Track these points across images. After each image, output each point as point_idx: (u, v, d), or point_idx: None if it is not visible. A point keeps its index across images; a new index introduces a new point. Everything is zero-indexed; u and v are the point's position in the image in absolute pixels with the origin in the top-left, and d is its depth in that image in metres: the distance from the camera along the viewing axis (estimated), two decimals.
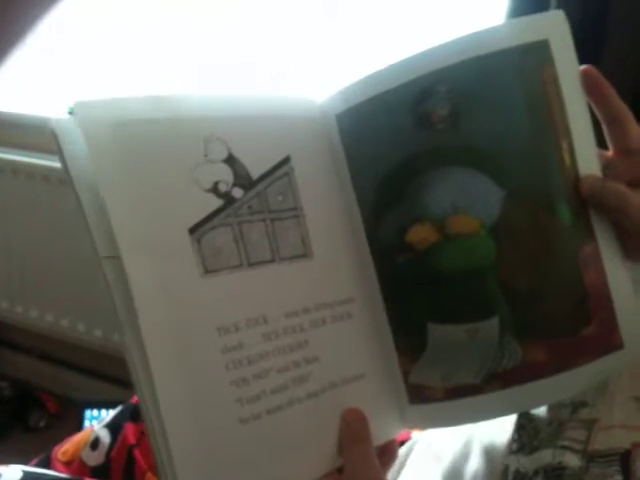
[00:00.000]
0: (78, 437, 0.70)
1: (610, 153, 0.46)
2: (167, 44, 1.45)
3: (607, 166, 0.44)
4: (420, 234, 0.45)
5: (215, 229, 0.41)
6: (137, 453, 0.65)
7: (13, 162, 1.40)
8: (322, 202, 0.46)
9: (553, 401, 0.47)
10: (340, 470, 0.44)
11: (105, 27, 1.53)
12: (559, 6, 0.78)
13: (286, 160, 0.45)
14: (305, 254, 0.45)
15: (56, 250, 1.40)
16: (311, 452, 0.43)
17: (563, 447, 0.45)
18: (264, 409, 0.41)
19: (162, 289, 0.39)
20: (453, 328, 0.45)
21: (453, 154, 0.44)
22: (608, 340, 0.43)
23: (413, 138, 0.44)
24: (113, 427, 0.68)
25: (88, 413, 1.41)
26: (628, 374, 0.45)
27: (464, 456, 0.54)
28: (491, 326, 0.44)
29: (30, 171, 1.38)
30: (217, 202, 0.42)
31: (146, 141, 0.40)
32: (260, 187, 0.44)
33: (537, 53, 0.43)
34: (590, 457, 0.43)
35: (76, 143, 0.38)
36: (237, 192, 0.43)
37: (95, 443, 0.68)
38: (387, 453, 0.48)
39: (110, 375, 1.48)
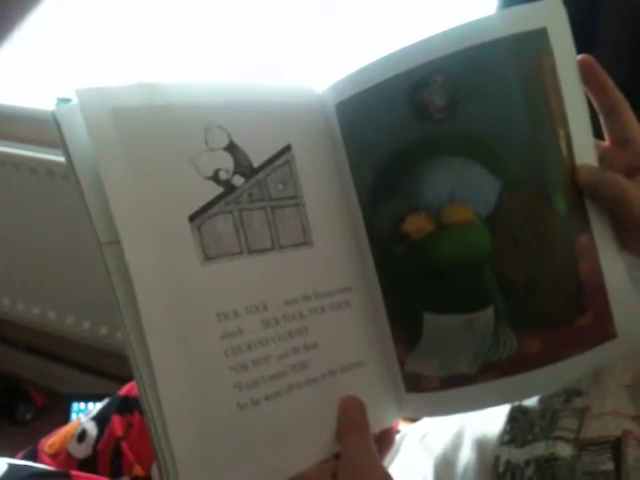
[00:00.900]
0: (65, 430, 0.70)
1: (607, 143, 0.46)
2: (166, 39, 1.44)
3: (604, 156, 0.45)
4: (416, 224, 0.45)
5: (215, 216, 0.41)
6: (124, 445, 0.64)
7: (15, 156, 1.38)
8: (322, 191, 0.46)
9: (547, 392, 0.47)
10: (337, 456, 0.44)
11: (106, 20, 1.53)
12: None
13: (287, 148, 0.45)
14: (305, 242, 0.45)
15: (44, 243, 1.39)
16: (309, 438, 0.44)
17: (556, 438, 0.45)
18: (263, 395, 0.41)
19: (162, 275, 0.39)
20: (448, 318, 0.45)
21: (450, 144, 0.44)
22: (602, 330, 0.44)
23: (410, 128, 0.44)
24: (100, 420, 0.67)
25: (75, 406, 1.40)
26: (621, 363, 0.45)
27: (456, 446, 0.54)
28: (486, 316, 0.44)
29: (33, 165, 1.36)
30: (217, 190, 0.42)
31: (146, 128, 0.40)
32: (261, 175, 0.44)
33: (534, 41, 0.43)
34: (582, 445, 0.43)
35: (77, 130, 0.38)
36: (238, 180, 0.43)
37: (82, 436, 0.67)
38: (384, 441, 0.48)
39: (97, 368, 1.48)
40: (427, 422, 0.62)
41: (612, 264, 0.44)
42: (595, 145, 0.44)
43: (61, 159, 0.38)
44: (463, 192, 0.44)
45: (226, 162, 0.42)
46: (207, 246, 0.41)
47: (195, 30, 1.43)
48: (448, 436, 0.55)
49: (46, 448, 0.68)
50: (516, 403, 0.49)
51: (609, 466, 0.41)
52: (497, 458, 0.48)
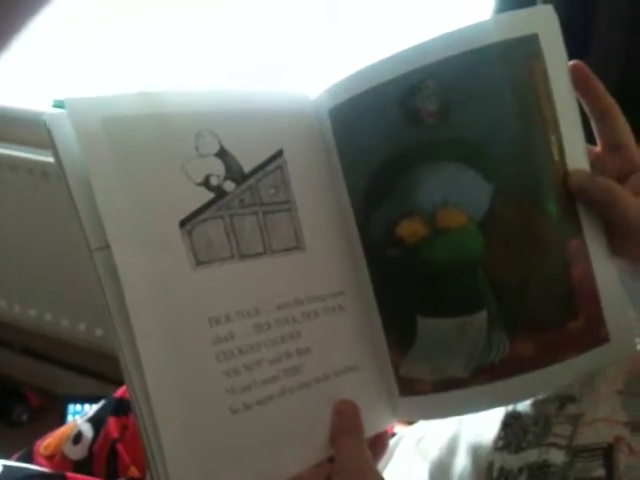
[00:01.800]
0: (60, 431, 0.70)
1: (598, 148, 0.46)
2: (166, 41, 1.44)
3: (596, 161, 0.45)
4: (410, 228, 0.45)
5: (206, 222, 0.42)
6: (120, 447, 0.65)
7: (11, 157, 1.38)
8: (314, 196, 0.47)
9: (539, 395, 0.47)
10: (331, 460, 0.44)
11: (105, 22, 1.53)
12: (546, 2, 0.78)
13: (278, 154, 0.45)
14: (298, 247, 0.45)
15: (41, 245, 1.39)
16: (302, 442, 0.44)
17: (549, 444, 0.45)
18: (255, 399, 0.41)
19: (153, 280, 0.39)
20: (442, 322, 0.45)
21: (442, 149, 0.44)
22: (595, 334, 0.44)
23: (403, 133, 0.44)
24: (96, 421, 0.67)
25: (71, 408, 1.40)
26: (613, 368, 0.45)
27: (451, 451, 0.54)
28: (479, 320, 0.44)
29: (29, 166, 1.36)
30: (208, 195, 0.42)
31: (137, 135, 0.40)
32: (252, 180, 0.44)
33: (526, 47, 0.43)
34: (575, 452, 0.43)
35: (68, 136, 0.39)
36: (229, 185, 0.43)
37: (78, 437, 0.67)
38: (378, 444, 0.48)
39: (93, 370, 1.48)
40: (423, 426, 0.62)
41: (604, 269, 0.44)
42: (587, 150, 0.44)
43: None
44: (456, 196, 0.44)
45: (217, 168, 0.43)
46: (198, 251, 0.41)
47: (196, 32, 1.43)
48: (443, 440, 0.55)
49: (41, 450, 0.68)
50: (510, 408, 0.50)
51: (601, 472, 0.41)
52: (491, 464, 0.48)
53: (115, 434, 0.65)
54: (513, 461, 0.46)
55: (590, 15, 0.76)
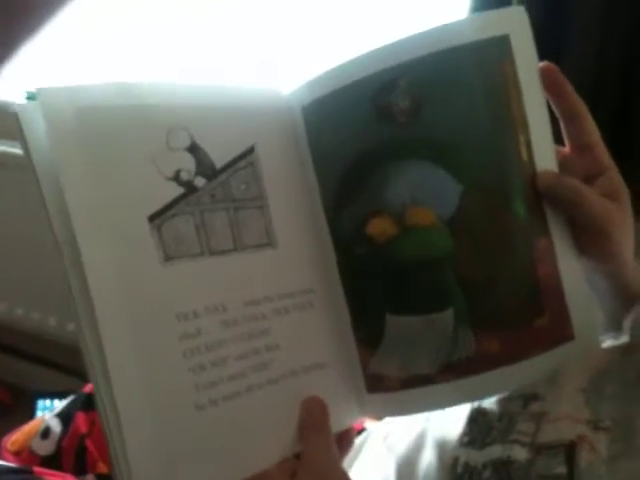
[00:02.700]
0: (28, 427, 0.69)
1: (567, 149, 0.46)
2: (143, 36, 1.44)
3: (564, 162, 0.45)
4: (379, 227, 0.45)
5: (176, 217, 0.41)
6: (89, 442, 0.64)
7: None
8: (286, 193, 0.47)
9: (505, 391, 0.47)
10: (298, 456, 0.44)
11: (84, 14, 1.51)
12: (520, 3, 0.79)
13: (250, 150, 0.45)
14: (269, 243, 0.45)
15: (9, 237, 1.37)
16: (269, 438, 0.44)
17: (513, 441, 0.45)
18: (221, 396, 0.41)
19: (120, 275, 0.39)
20: (409, 319, 0.46)
21: (413, 147, 0.44)
22: (560, 331, 0.45)
23: (374, 131, 0.45)
24: (64, 416, 0.67)
25: (41, 403, 1.38)
26: (577, 366, 0.46)
27: (417, 448, 0.54)
28: (447, 317, 0.45)
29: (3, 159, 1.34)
30: (178, 190, 0.42)
31: (109, 127, 0.40)
32: (223, 176, 0.44)
33: (497, 48, 0.43)
34: (537, 450, 0.43)
35: (38, 128, 0.38)
36: (199, 181, 0.43)
37: (46, 432, 0.67)
38: (344, 441, 0.48)
39: (64, 365, 1.46)
40: (391, 422, 0.62)
41: (570, 268, 0.45)
42: (555, 151, 0.45)
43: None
44: (425, 195, 0.44)
45: (188, 163, 0.42)
46: (167, 246, 0.41)
47: (181, 29, 1.43)
48: (411, 436, 0.55)
49: (9, 445, 0.68)
50: (476, 405, 0.50)
51: (562, 470, 0.41)
52: (456, 459, 0.48)
53: (84, 429, 0.65)
54: (478, 457, 0.47)
55: (564, 17, 0.77)
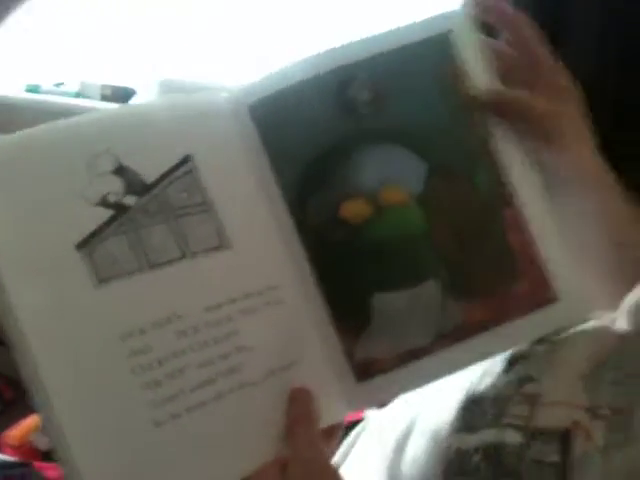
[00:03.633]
0: (28, 422, 0.71)
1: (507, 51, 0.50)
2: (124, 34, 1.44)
3: (506, 73, 0.49)
4: (354, 209, 0.47)
5: (107, 240, 0.41)
6: None
7: None
8: (236, 192, 0.46)
9: (496, 354, 0.48)
10: None
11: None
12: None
13: (186, 159, 0.45)
14: (221, 245, 0.45)
15: None
16: (252, 441, 0.43)
17: (506, 425, 0.45)
18: (183, 408, 0.41)
19: (53, 308, 0.39)
20: (396, 295, 0.47)
21: (378, 135, 0.47)
22: (540, 294, 0.47)
23: (338, 124, 0.47)
24: None
25: None
26: (578, 351, 0.45)
27: (406, 436, 0.54)
28: (432, 288, 0.47)
29: None
30: (107, 213, 0.42)
31: (21, 176, 0.41)
32: (157, 189, 0.44)
33: (440, 44, 0.48)
34: (532, 434, 0.43)
35: None
36: (129, 199, 0.43)
37: None
38: (330, 436, 0.47)
39: None
40: (384, 414, 0.62)
41: (545, 233, 0.47)
42: (495, 51, 0.49)
43: None
44: (395, 175, 0.47)
45: (114, 185, 0.42)
46: (100, 269, 0.41)
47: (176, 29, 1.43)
48: (401, 425, 0.55)
49: (9, 440, 0.69)
50: (469, 391, 0.50)
51: (555, 457, 0.41)
52: (449, 445, 0.48)
53: None
54: (470, 441, 0.47)
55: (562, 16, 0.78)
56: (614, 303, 0.48)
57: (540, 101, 0.46)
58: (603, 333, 0.46)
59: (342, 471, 0.45)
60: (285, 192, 0.47)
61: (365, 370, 0.47)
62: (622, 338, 0.45)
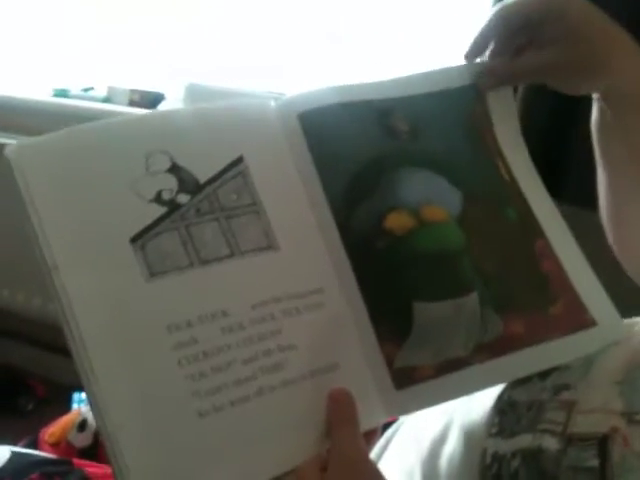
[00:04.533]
0: (65, 419, 0.71)
1: None
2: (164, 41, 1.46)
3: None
4: (399, 220, 0.48)
5: (160, 235, 0.43)
6: None
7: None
8: (284, 196, 0.47)
9: (534, 371, 0.48)
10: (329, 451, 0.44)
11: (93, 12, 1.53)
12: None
13: (239, 160, 0.46)
14: (270, 246, 0.46)
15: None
16: (292, 438, 0.44)
17: (543, 430, 0.45)
18: (227, 401, 0.42)
19: (104, 297, 0.41)
20: (439, 305, 0.47)
21: (416, 158, 0.51)
22: (577, 318, 0.49)
23: (382, 142, 0.51)
24: None
25: (76, 396, 1.41)
26: (613, 358, 0.46)
27: (443, 438, 0.54)
28: (472, 301, 0.47)
29: None
30: (161, 210, 0.43)
31: (82, 170, 0.43)
32: (209, 189, 0.45)
33: (467, 94, 0.54)
34: (568, 440, 0.43)
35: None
36: (183, 198, 0.44)
37: (82, 425, 0.69)
38: (368, 441, 0.47)
39: None
40: (419, 416, 0.62)
41: (573, 263, 0.50)
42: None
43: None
44: (434, 196, 0.50)
45: (169, 183, 0.44)
46: (152, 263, 0.42)
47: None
48: (437, 428, 0.55)
49: (47, 437, 0.70)
50: (504, 396, 0.50)
51: (594, 463, 0.41)
52: (484, 450, 0.48)
53: None
54: (506, 446, 0.47)
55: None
56: None
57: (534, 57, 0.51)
58: (636, 339, 0.47)
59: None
60: (331, 199, 0.48)
61: (404, 378, 0.47)
62: None
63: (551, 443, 0.44)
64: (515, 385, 0.50)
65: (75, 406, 1.39)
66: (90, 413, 0.69)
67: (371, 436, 0.48)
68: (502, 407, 0.50)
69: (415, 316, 0.47)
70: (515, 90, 0.56)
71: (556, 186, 0.58)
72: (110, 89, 1.50)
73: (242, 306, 0.44)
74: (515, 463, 0.45)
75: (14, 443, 0.69)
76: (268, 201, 0.46)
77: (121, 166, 0.43)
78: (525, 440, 0.46)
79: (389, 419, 0.62)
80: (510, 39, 0.53)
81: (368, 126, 0.50)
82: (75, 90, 1.52)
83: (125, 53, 1.54)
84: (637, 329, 0.48)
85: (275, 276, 0.45)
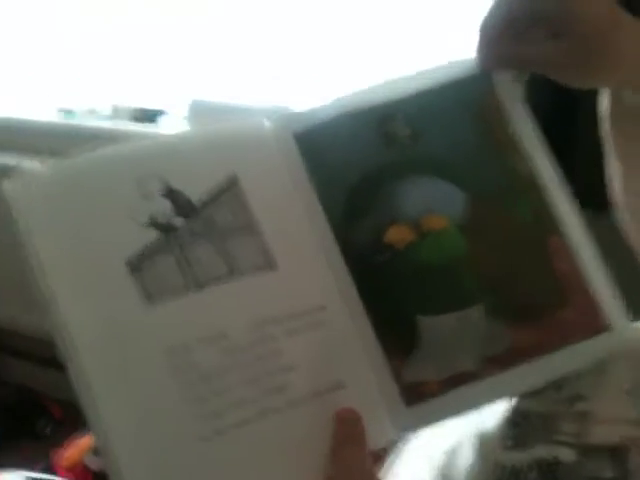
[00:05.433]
0: (81, 443, 0.71)
1: None
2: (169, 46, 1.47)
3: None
4: (398, 234, 0.47)
5: (156, 259, 0.43)
6: None
7: None
8: (281, 214, 0.47)
9: (549, 380, 0.47)
10: None
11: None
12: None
13: (232, 182, 0.46)
14: (267, 266, 0.45)
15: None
16: (293, 463, 0.43)
17: (558, 442, 0.45)
18: (228, 424, 0.41)
19: (101, 324, 0.41)
20: (443, 318, 0.46)
21: (417, 165, 0.49)
22: (591, 323, 0.46)
23: (380, 153, 0.49)
24: None
25: None
26: (622, 365, 0.46)
27: (456, 452, 0.53)
28: (478, 312, 0.46)
29: None
30: (156, 234, 0.43)
31: (75, 202, 0.43)
32: (204, 211, 0.45)
33: (478, 83, 0.51)
34: (584, 451, 0.43)
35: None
36: (178, 221, 0.44)
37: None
38: (378, 460, 0.48)
39: None
40: (428, 431, 0.61)
41: (589, 263, 0.47)
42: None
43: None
44: (435, 204, 0.48)
45: (163, 207, 0.44)
46: (149, 287, 0.42)
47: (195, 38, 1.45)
48: (449, 440, 0.55)
49: (63, 461, 0.70)
50: (518, 407, 0.50)
51: (611, 473, 0.41)
52: (499, 463, 0.48)
53: None
54: (522, 458, 0.46)
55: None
56: None
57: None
58: None
59: None
60: (330, 215, 0.48)
61: (414, 394, 0.46)
62: None
63: (567, 454, 0.43)
64: (529, 396, 0.49)
65: None
66: None
67: (380, 458, 0.48)
68: (516, 419, 0.49)
69: (420, 331, 0.46)
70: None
71: None
72: (114, 108, 1.52)
73: (241, 327, 0.43)
74: (532, 475, 0.45)
75: (30, 467, 0.69)
76: (265, 221, 0.46)
77: (115, 193, 0.44)
78: (541, 451, 0.45)
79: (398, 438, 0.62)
80: (519, 28, 0.51)
81: (366, 138, 0.49)
82: (79, 109, 1.54)
83: (128, 70, 1.55)
84: None
85: (274, 296, 0.45)
